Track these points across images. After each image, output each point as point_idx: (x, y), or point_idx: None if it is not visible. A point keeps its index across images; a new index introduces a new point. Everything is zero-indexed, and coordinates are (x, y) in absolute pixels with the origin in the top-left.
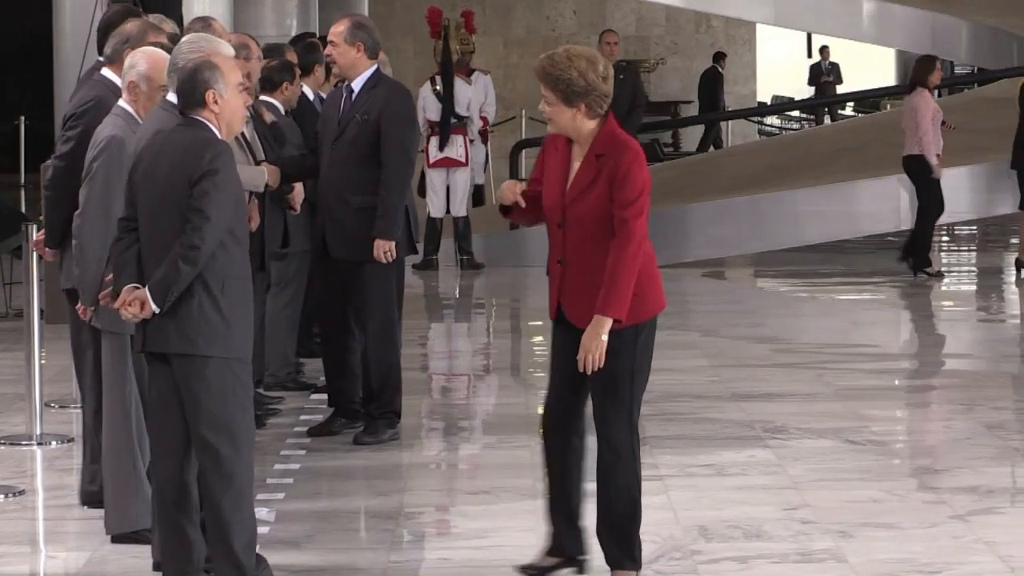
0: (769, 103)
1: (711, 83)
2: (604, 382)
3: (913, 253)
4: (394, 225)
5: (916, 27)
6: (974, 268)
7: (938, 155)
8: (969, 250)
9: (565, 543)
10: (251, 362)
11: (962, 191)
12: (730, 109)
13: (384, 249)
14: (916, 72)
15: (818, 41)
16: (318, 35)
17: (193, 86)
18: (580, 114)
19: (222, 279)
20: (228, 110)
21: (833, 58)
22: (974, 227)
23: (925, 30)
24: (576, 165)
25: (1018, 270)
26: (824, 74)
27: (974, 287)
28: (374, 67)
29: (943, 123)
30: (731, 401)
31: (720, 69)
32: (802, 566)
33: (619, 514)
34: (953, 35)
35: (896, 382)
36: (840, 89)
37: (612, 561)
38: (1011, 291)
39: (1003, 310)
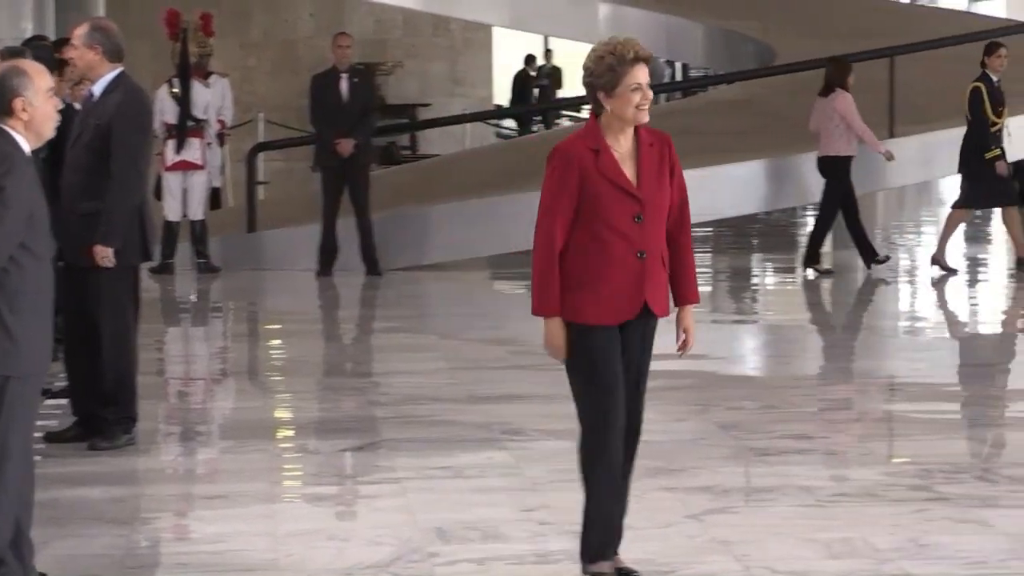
0: (507, 106)
1: (521, 83)
2: (642, 374)
3: (813, 259)
4: (113, 232)
5: (651, 30)
6: (709, 269)
7: (852, 156)
8: (703, 251)
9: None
10: (42, 377)
11: (696, 192)
12: (469, 112)
13: (102, 255)
14: (833, 74)
15: (554, 44)
16: (54, 37)
17: (0, 93)
18: None
19: (12, 295)
20: (38, 117)
21: (570, 60)
22: (708, 229)
23: (660, 33)
24: (628, 157)
25: (934, 264)
26: (542, 77)
27: (710, 288)
28: (116, 71)
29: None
30: (469, 403)
31: (531, 71)
32: (539, 567)
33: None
34: (688, 37)
35: None
36: (561, 93)
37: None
38: (746, 292)
39: (739, 311)
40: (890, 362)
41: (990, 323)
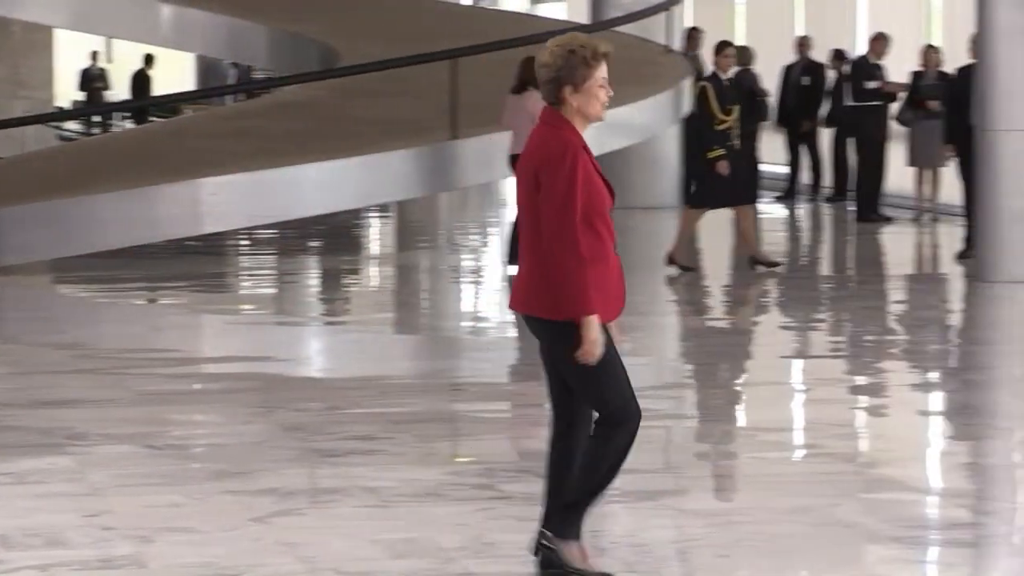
0: (70, 108)
1: (140, 83)
2: None
3: (513, 255)
4: None
5: (214, 32)
6: (274, 271)
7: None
8: (269, 254)
9: None
10: None
11: (258, 196)
12: (30, 114)
13: None
14: (527, 72)
15: (118, 46)
16: None
17: None
18: None
19: None
20: None
21: (140, 60)
22: (274, 231)
23: (224, 35)
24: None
25: (670, 263)
26: (93, 80)
27: (275, 290)
28: None
29: None
30: (31, 408)
31: (147, 72)
32: (103, 572)
33: None
34: (252, 40)
35: (196, 386)
36: (111, 95)
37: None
38: (311, 293)
39: (304, 313)
40: (454, 362)
41: None
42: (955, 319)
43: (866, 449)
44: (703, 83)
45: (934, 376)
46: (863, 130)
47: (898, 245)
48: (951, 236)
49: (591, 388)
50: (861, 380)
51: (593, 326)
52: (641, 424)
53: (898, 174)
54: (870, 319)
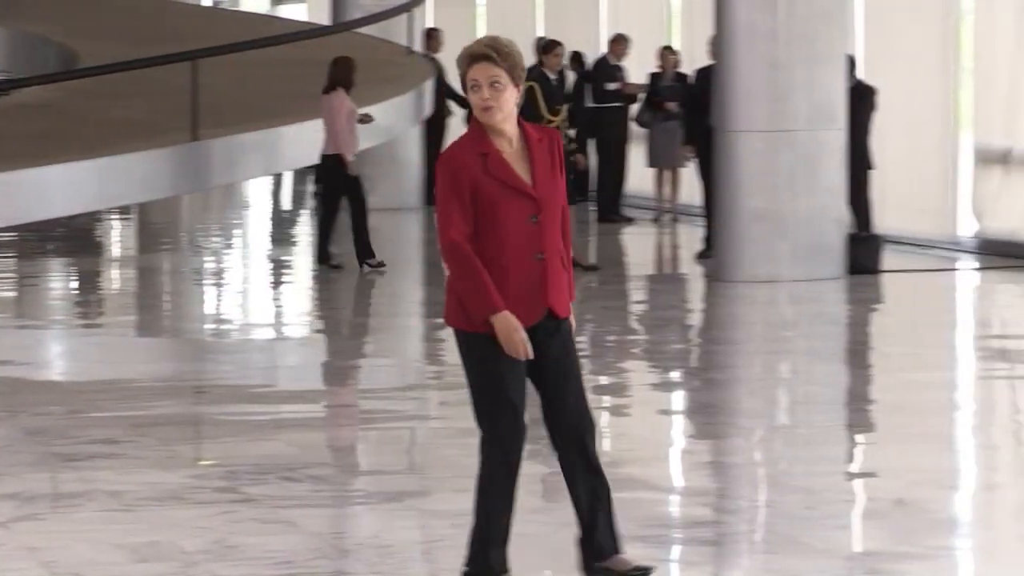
0: None
1: None
2: (567, 376)
3: (363, 253)
4: None
5: None
6: (15, 274)
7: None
8: (8, 256)
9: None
10: None
11: (6, 197)
12: None
13: None
14: (337, 73)
15: None
16: None
17: None
18: (515, 96)
19: None
20: None
21: None
22: (13, 234)
23: None
24: (519, 157)
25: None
26: None
27: (16, 293)
28: None
29: (360, 119)
30: None
31: None
32: None
33: None
34: None
35: None
36: None
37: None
38: (52, 296)
39: (45, 316)
40: (197, 365)
41: (295, 325)
42: (695, 319)
43: (608, 449)
44: (531, 83)
45: (675, 375)
46: (604, 131)
47: (639, 245)
48: (691, 236)
49: (472, 400)
50: (603, 380)
51: (502, 321)
52: (387, 426)
53: (638, 175)
54: (611, 319)
